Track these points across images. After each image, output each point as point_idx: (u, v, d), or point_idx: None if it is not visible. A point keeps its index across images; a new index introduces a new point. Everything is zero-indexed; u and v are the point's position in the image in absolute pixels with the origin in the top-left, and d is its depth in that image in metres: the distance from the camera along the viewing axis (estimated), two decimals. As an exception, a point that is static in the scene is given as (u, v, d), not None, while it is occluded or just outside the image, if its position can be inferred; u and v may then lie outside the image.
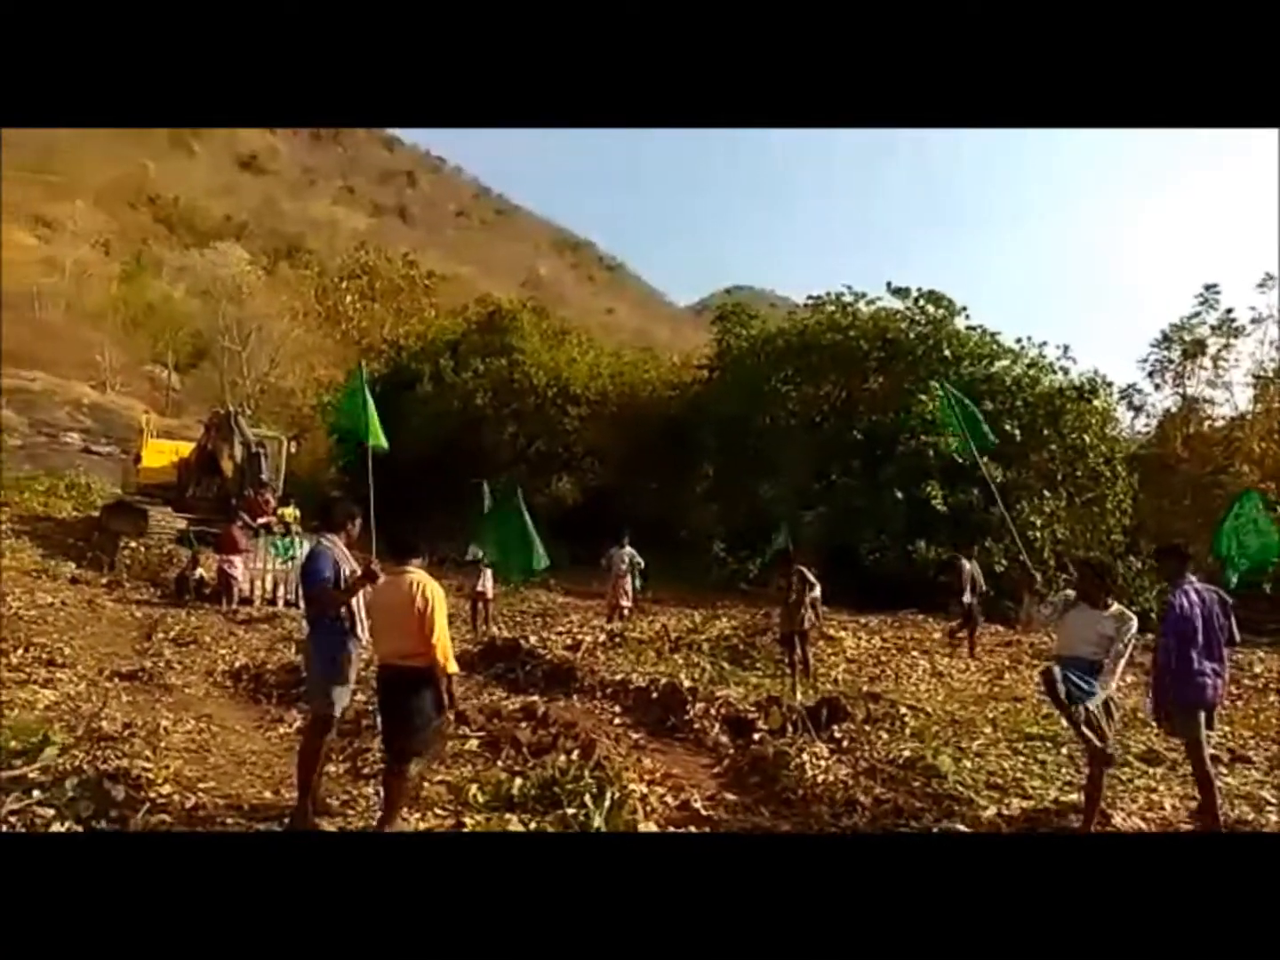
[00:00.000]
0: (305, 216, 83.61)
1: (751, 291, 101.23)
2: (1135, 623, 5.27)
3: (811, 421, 23.91)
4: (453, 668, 5.08)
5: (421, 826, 5.11)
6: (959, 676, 11.41)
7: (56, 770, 5.50)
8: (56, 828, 4.66)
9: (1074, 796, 5.79)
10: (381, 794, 5.19)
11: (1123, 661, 5.24)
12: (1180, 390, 25.40)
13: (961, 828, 5.40)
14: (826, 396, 24.30)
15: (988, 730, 7.75)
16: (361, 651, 5.47)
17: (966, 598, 13.12)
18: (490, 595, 14.05)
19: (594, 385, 29.20)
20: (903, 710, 7.96)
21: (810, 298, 25.36)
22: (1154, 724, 6.30)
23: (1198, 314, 24.42)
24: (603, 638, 11.73)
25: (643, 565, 14.55)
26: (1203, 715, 5.37)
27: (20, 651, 9.67)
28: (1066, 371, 22.08)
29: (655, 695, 8.57)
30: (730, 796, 6.11)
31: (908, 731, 7.47)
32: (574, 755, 6.26)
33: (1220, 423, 25.26)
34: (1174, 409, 25.63)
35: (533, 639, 11.18)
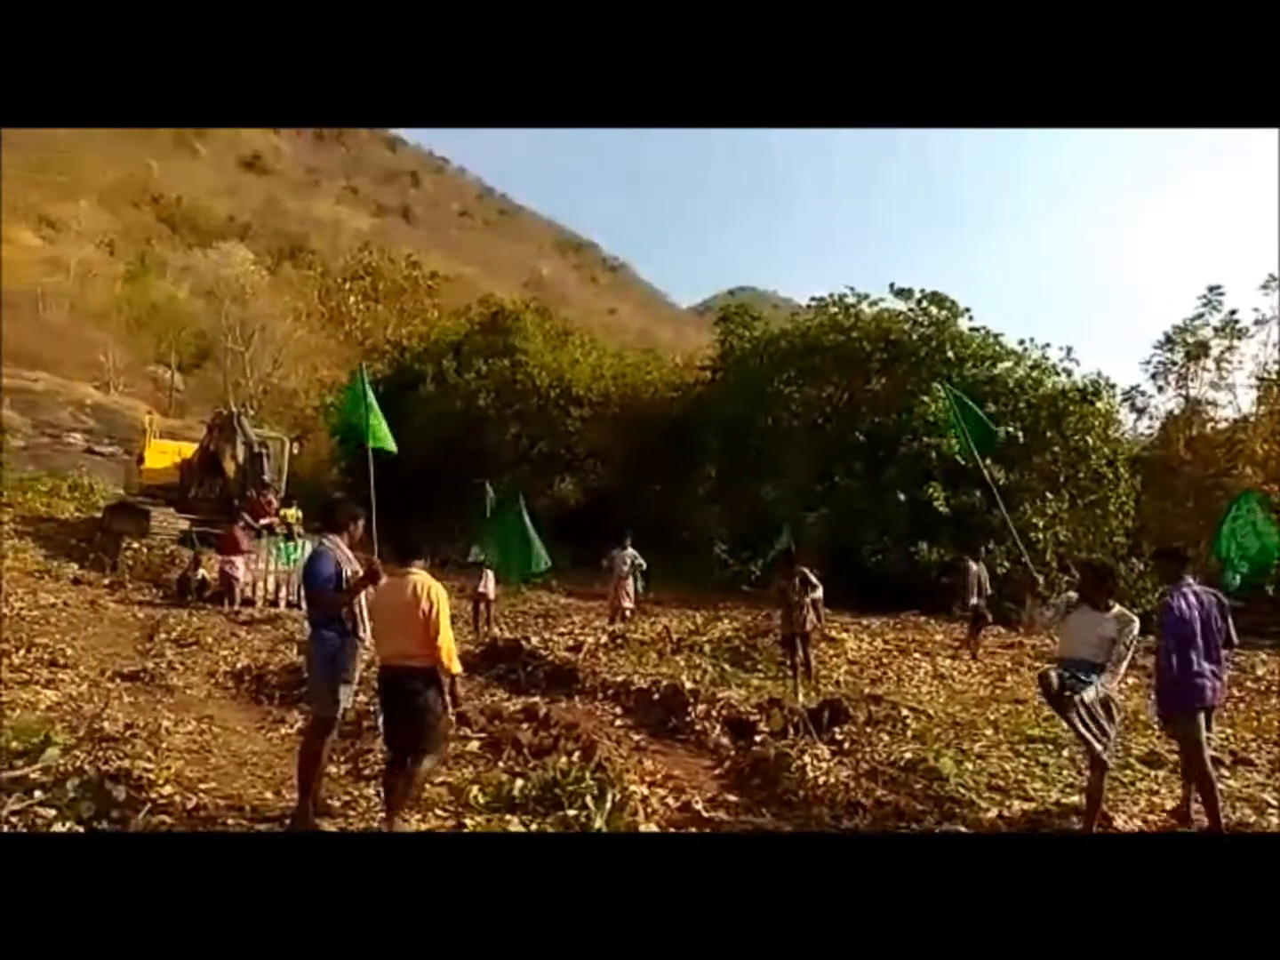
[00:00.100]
0: (309, 217, 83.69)
1: (754, 292, 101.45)
2: (1136, 624, 5.27)
3: (814, 423, 23.92)
4: (456, 669, 5.10)
5: (422, 827, 5.11)
6: (961, 679, 11.40)
7: (58, 771, 5.51)
8: (58, 828, 4.66)
9: (1075, 799, 5.79)
10: (383, 794, 5.19)
11: (1125, 663, 5.24)
12: (1183, 392, 25.35)
13: (963, 829, 5.40)
14: (829, 398, 24.30)
15: (989, 732, 7.74)
16: (363, 652, 5.47)
17: (973, 600, 13.06)
18: (492, 596, 14.04)
19: (597, 386, 29.22)
20: (904, 712, 7.95)
21: (813, 299, 25.42)
22: (1156, 726, 6.30)
23: (1201, 315, 24.38)
24: (604, 639, 11.73)
25: (644, 567, 14.55)
26: (1202, 717, 5.38)
27: (22, 652, 9.69)
28: (1069, 373, 22.08)
29: (657, 697, 8.57)
30: (731, 798, 6.10)
31: (909, 734, 7.46)
32: (575, 757, 6.25)
33: (1223, 425, 25.20)
34: (1177, 411, 25.58)
35: (534, 640, 11.18)
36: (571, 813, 5.23)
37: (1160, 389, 25.40)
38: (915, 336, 22.59)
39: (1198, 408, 25.27)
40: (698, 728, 7.81)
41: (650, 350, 38.90)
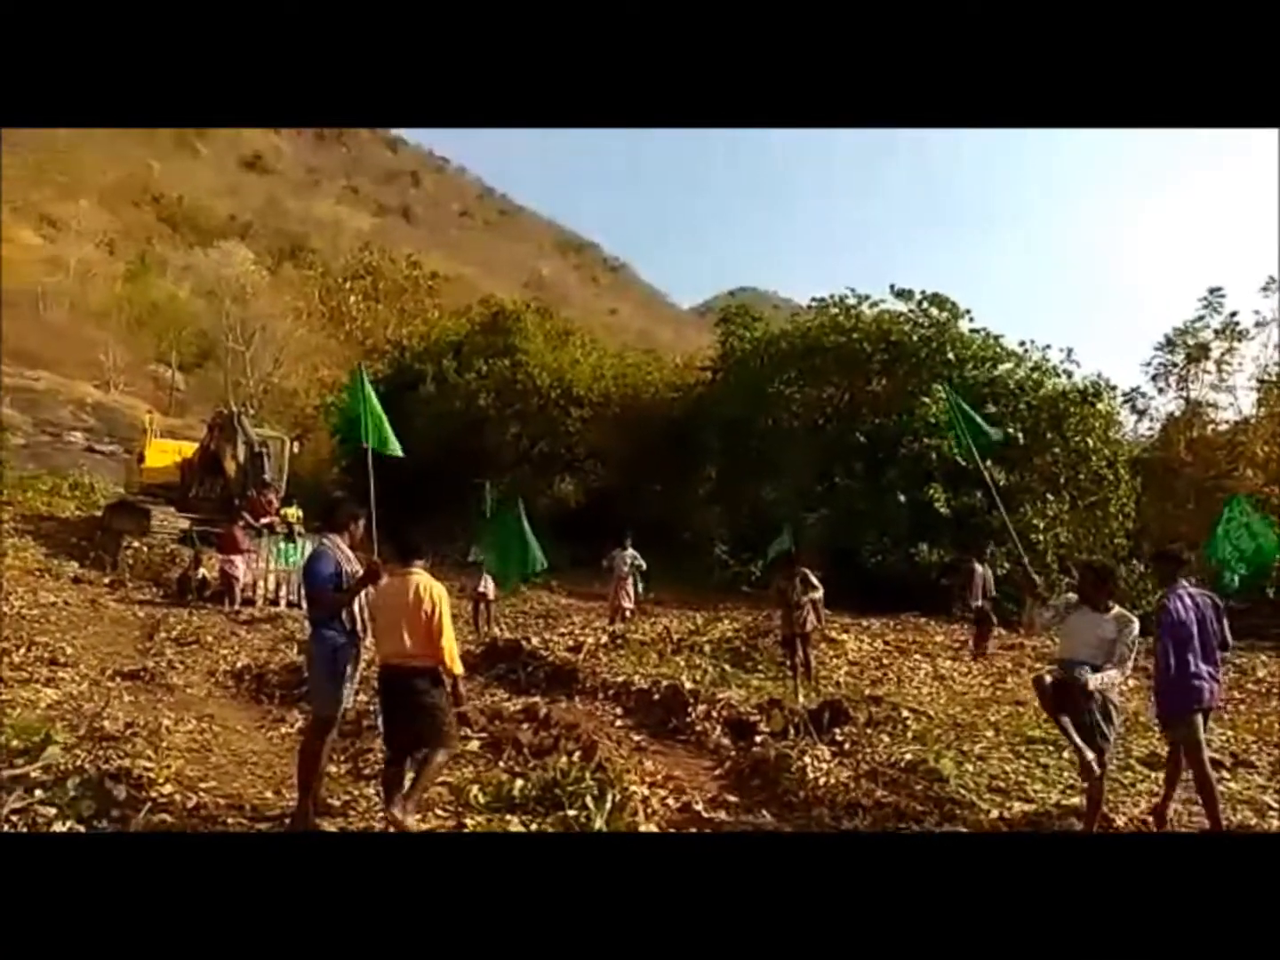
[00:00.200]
0: (309, 216, 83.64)
1: (755, 293, 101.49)
2: (1136, 625, 5.28)
3: (814, 424, 23.91)
4: (458, 669, 5.11)
5: (423, 827, 5.11)
6: (961, 680, 11.40)
7: (58, 769, 5.50)
8: (58, 827, 4.66)
9: (1076, 800, 5.79)
10: (382, 793, 5.19)
11: (1128, 665, 5.25)
12: (1184, 394, 25.33)
13: (963, 830, 5.40)
14: (829, 399, 24.30)
15: (990, 733, 7.74)
16: (363, 652, 5.47)
17: (977, 602, 13.00)
18: (492, 596, 14.04)
19: (597, 387, 29.20)
20: (905, 713, 7.95)
21: (813, 300, 25.43)
22: (1156, 728, 6.31)
23: (1201, 317, 24.37)
24: (605, 639, 11.74)
25: (644, 567, 14.55)
26: (1200, 718, 5.38)
27: (23, 650, 9.70)
28: (1070, 375, 22.08)
29: (657, 697, 8.57)
30: (731, 799, 6.10)
31: (909, 734, 7.46)
32: (575, 757, 6.25)
33: (1224, 427, 25.18)
34: (1177, 413, 25.56)
35: (535, 640, 11.18)
36: (571, 813, 5.23)
37: (1161, 391, 25.41)
38: (916, 338, 22.59)
39: (1198, 410, 25.26)
40: (698, 728, 7.81)
41: (651, 351, 38.89)
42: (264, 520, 18.01)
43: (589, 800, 5.32)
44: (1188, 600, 5.49)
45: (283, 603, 15.82)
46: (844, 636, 13.49)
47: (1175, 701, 5.41)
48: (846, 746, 7.08)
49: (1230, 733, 8.34)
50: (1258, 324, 24.11)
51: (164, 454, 23.71)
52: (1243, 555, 7.06)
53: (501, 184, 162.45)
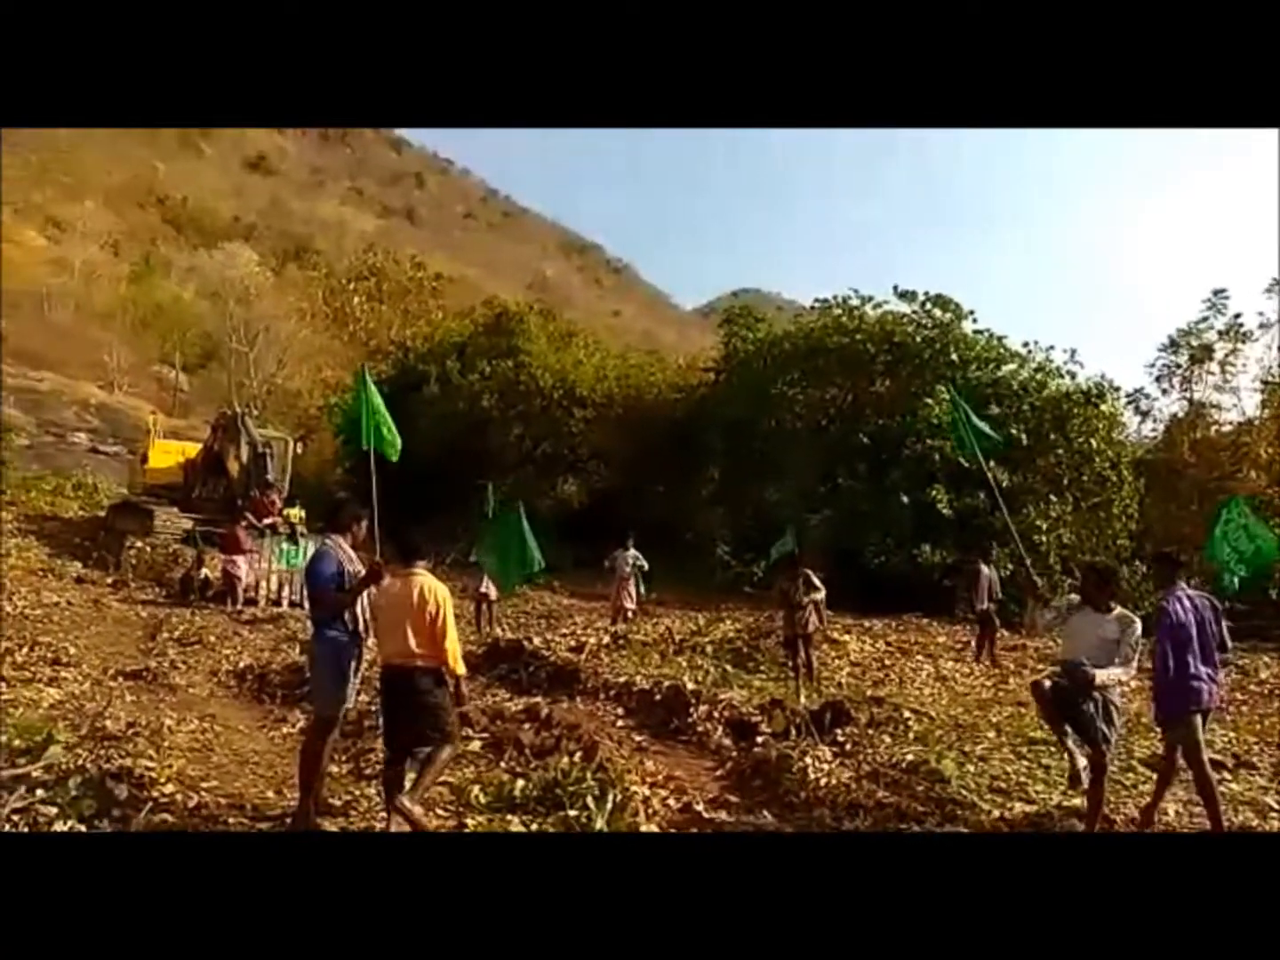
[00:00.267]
0: (313, 217, 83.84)
1: (758, 294, 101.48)
2: (1139, 624, 5.28)
3: (817, 425, 23.91)
4: (461, 670, 5.12)
5: (429, 822, 5.12)
6: (963, 680, 11.39)
7: (60, 769, 5.51)
8: (59, 826, 4.67)
9: (1077, 801, 5.77)
10: (383, 794, 5.20)
11: (1133, 665, 5.25)
12: (1187, 395, 25.28)
13: (964, 831, 5.40)
14: (833, 400, 24.29)
15: (991, 734, 7.74)
16: (365, 652, 5.48)
17: (984, 605, 12.86)
18: (494, 596, 14.04)
19: (600, 388, 29.20)
20: (906, 714, 7.95)
21: (816, 301, 25.41)
22: (1158, 730, 6.31)
23: (1205, 319, 24.33)
24: (606, 640, 11.74)
25: (646, 568, 14.54)
26: (1199, 720, 5.38)
27: (25, 650, 9.71)
28: (1073, 376, 22.06)
29: (659, 698, 8.57)
30: (733, 799, 6.11)
31: (911, 735, 7.46)
32: (577, 757, 6.26)
33: (1228, 428, 25.14)
34: (1181, 414, 25.51)
35: (536, 640, 11.18)
36: (573, 813, 5.23)
37: (1164, 392, 25.37)
38: (919, 339, 22.58)
39: (1202, 411, 25.21)
40: (699, 729, 7.81)
41: (654, 352, 38.90)
42: (267, 521, 18.03)
43: (590, 800, 5.33)
44: (1186, 602, 5.50)
45: (285, 603, 15.83)
46: (846, 637, 13.49)
47: (1174, 703, 5.41)
48: (848, 747, 7.08)
49: (1232, 734, 8.33)
50: (1262, 325, 24.09)
51: (167, 455, 23.77)
52: (1241, 557, 7.06)
53: (505, 186, 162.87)
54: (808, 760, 6.48)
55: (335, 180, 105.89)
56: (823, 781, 6.13)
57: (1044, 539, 19.45)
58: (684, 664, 10.73)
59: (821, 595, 10.16)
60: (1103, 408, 21.51)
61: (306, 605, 6.31)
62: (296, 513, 19.10)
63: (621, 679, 9.26)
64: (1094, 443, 20.87)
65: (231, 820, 5.30)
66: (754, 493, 23.52)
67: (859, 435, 22.07)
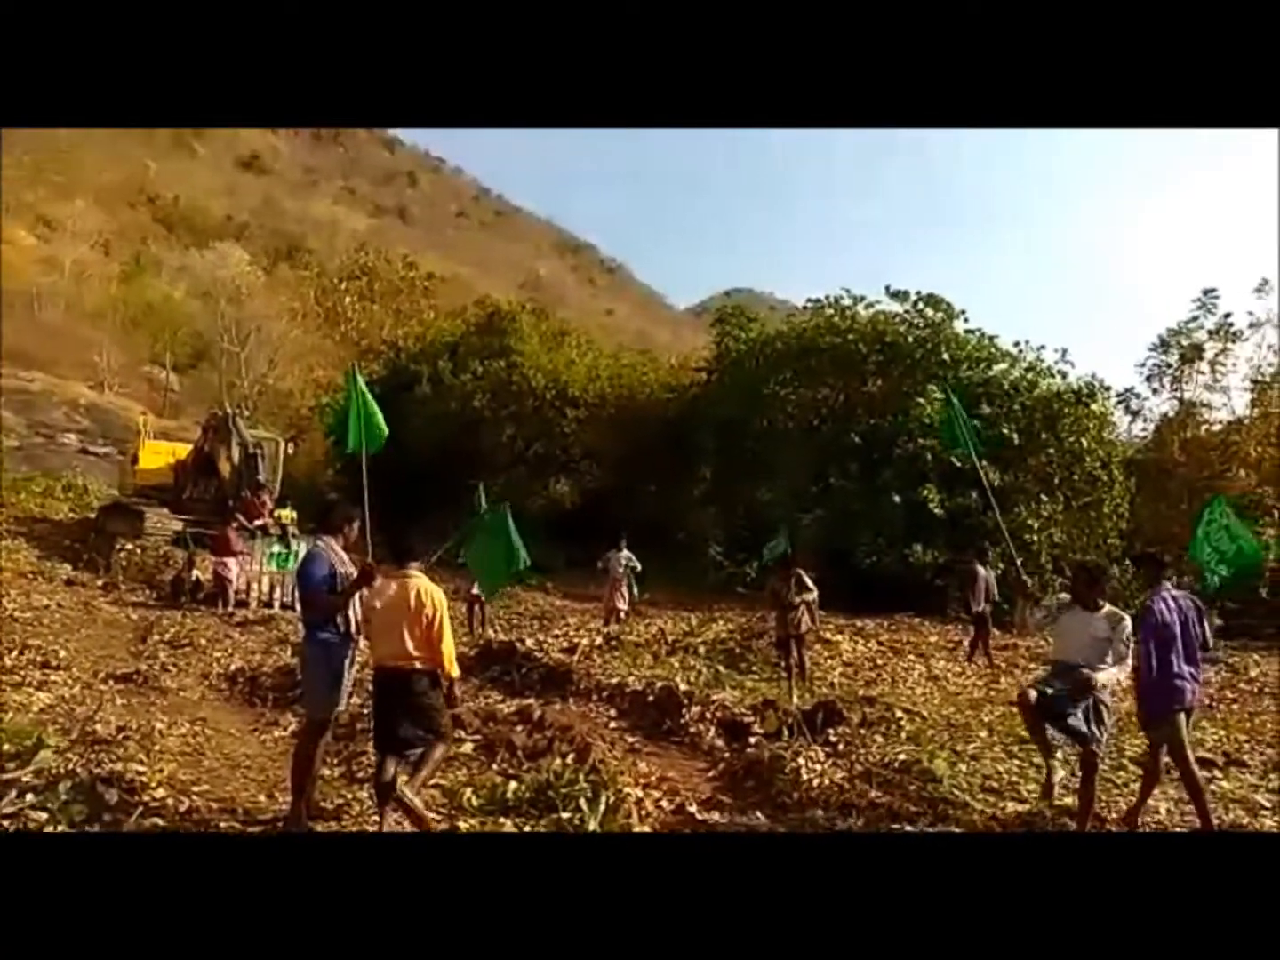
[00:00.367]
0: (306, 217, 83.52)
1: (751, 294, 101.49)
2: (1129, 621, 5.31)
3: (809, 425, 23.95)
4: (455, 672, 5.13)
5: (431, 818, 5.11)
6: (955, 680, 11.41)
7: (50, 773, 5.47)
8: (50, 831, 4.64)
9: (1069, 800, 5.79)
10: (375, 797, 5.18)
11: (1128, 662, 5.27)
12: (1178, 395, 25.43)
13: (956, 831, 5.41)
14: (825, 400, 24.33)
15: (983, 734, 7.75)
16: (357, 654, 5.46)
17: (980, 606, 12.82)
18: (486, 598, 14.00)
19: (592, 387, 29.21)
20: (898, 714, 7.95)
21: (809, 301, 25.45)
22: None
23: (1196, 318, 24.47)
24: (599, 641, 11.72)
25: (639, 569, 14.55)
26: (1182, 718, 5.41)
27: (15, 653, 9.65)
28: (1064, 375, 22.17)
29: (651, 698, 8.57)
30: (725, 800, 6.10)
31: (903, 735, 7.45)
32: (569, 759, 6.25)
33: (1217, 427, 25.28)
34: (1171, 413, 25.66)
35: (529, 642, 11.16)
36: (565, 815, 5.22)
37: (1155, 391, 25.53)
38: (911, 338, 22.64)
39: (1192, 410, 25.35)
40: (692, 730, 7.82)
41: (647, 351, 38.88)
42: (258, 522, 17.94)
43: (583, 802, 5.32)
44: (1171, 602, 5.52)
45: (276, 605, 15.76)
46: (838, 637, 13.51)
47: (1158, 703, 5.44)
48: (840, 747, 7.08)
49: (1222, 732, 8.36)
50: (1252, 325, 24.24)
51: (158, 456, 23.63)
52: (1223, 557, 7.07)
53: (498, 184, 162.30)
54: (800, 761, 6.49)
55: (328, 179, 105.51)
56: (815, 782, 6.13)
57: (1035, 538, 19.52)
58: (676, 665, 10.72)
59: (814, 595, 10.17)
60: (1093, 407, 21.63)
61: (298, 607, 6.29)
62: (288, 514, 19.03)
63: (614, 680, 9.25)
64: (1085, 442, 20.96)
65: (223, 824, 5.27)
66: (746, 492, 23.56)
67: (851, 435, 22.12)
